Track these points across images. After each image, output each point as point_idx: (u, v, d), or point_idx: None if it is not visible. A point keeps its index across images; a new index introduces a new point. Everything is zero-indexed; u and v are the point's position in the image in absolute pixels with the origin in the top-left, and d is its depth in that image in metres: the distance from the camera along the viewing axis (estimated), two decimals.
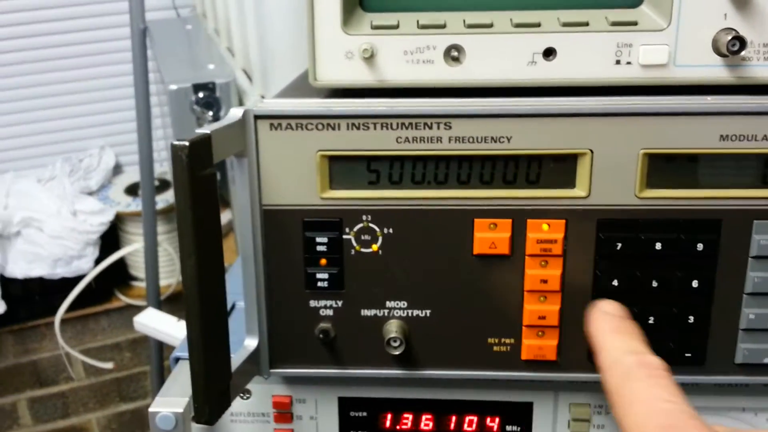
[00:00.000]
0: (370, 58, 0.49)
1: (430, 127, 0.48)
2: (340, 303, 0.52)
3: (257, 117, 0.48)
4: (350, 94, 0.50)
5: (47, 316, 1.86)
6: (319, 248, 0.51)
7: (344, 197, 0.50)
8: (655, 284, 0.49)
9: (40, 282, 1.83)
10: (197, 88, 1.14)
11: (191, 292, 0.44)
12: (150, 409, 0.49)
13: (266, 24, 1.06)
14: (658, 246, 0.49)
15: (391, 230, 0.50)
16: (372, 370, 0.53)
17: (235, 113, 0.47)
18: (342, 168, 0.49)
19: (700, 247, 0.49)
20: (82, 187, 1.96)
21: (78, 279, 1.82)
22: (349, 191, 0.50)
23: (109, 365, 1.94)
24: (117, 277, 1.95)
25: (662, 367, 0.41)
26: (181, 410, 0.49)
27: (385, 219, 0.50)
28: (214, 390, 0.46)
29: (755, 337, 0.50)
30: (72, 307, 1.83)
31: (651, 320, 0.50)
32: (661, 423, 0.37)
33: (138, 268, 1.94)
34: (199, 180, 0.43)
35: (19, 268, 1.80)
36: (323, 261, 0.51)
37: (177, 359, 0.57)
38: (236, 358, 0.50)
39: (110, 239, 1.91)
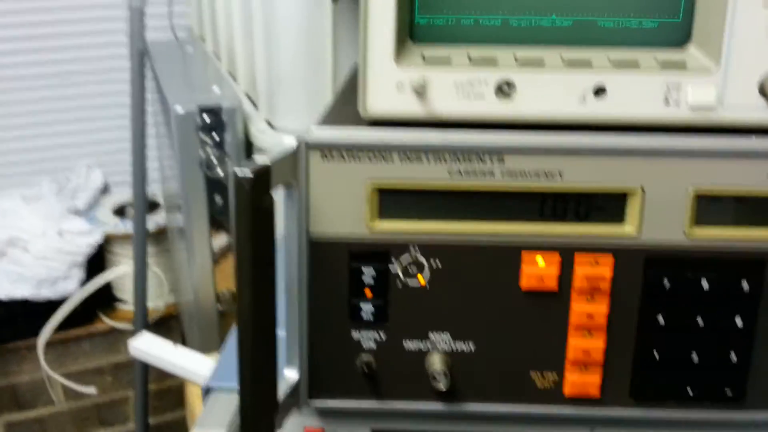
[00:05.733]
0: (421, 91, 0.49)
1: (483, 161, 0.48)
2: (383, 335, 0.51)
3: (309, 146, 0.48)
4: (397, 124, 0.50)
5: (28, 337, 1.82)
6: (365, 279, 0.50)
7: (392, 229, 0.50)
8: (700, 323, 0.50)
9: (23, 303, 1.78)
10: (203, 111, 1.13)
11: (246, 323, 0.43)
12: None
13: (274, 50, 1.06)
14: (705, 285, 0.49)
15: (438, 263, 0.50)
16: (413, 403, 0.52)
17: (290, 142, 0.47)
18: (391, 199, 0.49)
19: (745, 286, 0.49)
20: (69, 207, 1.93)
21: (62, 301, 1.78)
22: (397, 222, 0.50)
23: (91, 389, 1.90)
24: (101, 299, 1.91)
25: None
26: None
27: (433, 251, 0.50)
28: (263, 422, 0.45)
29: None
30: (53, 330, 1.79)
31: (695, 358, 0.50)
32: None
33: (123, 290, 1.90)
34: (259, 211, 0.42)
35: (2, 289, 1.75)
36: (368, 292, 0.50)
37: (208, 390, 0.56)
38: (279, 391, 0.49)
39: (95, 261, 1.87)
